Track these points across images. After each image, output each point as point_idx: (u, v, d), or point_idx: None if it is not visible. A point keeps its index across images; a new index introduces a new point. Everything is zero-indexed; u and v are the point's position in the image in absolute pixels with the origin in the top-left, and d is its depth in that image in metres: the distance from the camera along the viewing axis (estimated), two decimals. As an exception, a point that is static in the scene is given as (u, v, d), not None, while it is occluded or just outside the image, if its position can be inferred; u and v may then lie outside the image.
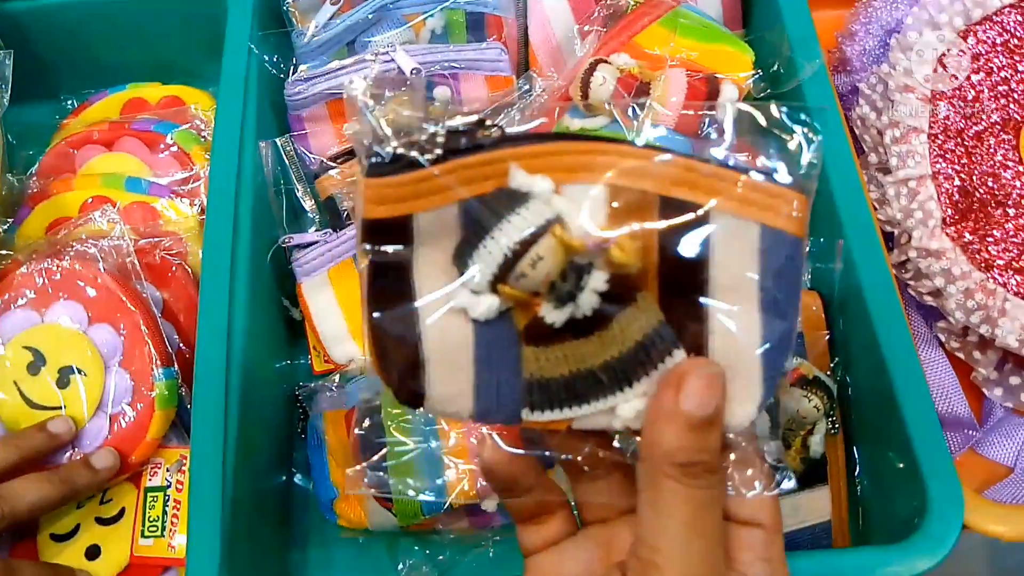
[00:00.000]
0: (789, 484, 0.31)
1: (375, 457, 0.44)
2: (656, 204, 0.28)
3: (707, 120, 0.57)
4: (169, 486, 0.51)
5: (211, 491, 0.45)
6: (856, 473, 0.51)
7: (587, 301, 0.28)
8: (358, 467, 0.42)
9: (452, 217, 0.28)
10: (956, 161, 0.52)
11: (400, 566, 0.53)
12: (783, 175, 0.29)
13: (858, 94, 0.57)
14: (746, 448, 0.30)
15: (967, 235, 0.50)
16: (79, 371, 0.50)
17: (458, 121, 0.28)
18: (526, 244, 0.27)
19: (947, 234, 0.50)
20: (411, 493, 0.48)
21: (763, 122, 0.29)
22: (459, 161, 0.28)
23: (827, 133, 0.54)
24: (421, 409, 0.30)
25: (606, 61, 0.57)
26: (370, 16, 0.59)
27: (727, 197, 0.28)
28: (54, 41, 0.70)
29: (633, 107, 0.56)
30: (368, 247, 0.28)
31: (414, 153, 0.28)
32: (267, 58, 0.60)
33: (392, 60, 0.58)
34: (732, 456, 0.30)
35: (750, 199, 0.28)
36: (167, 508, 0.50)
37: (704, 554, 0.28)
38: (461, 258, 0.29)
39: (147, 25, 0.69)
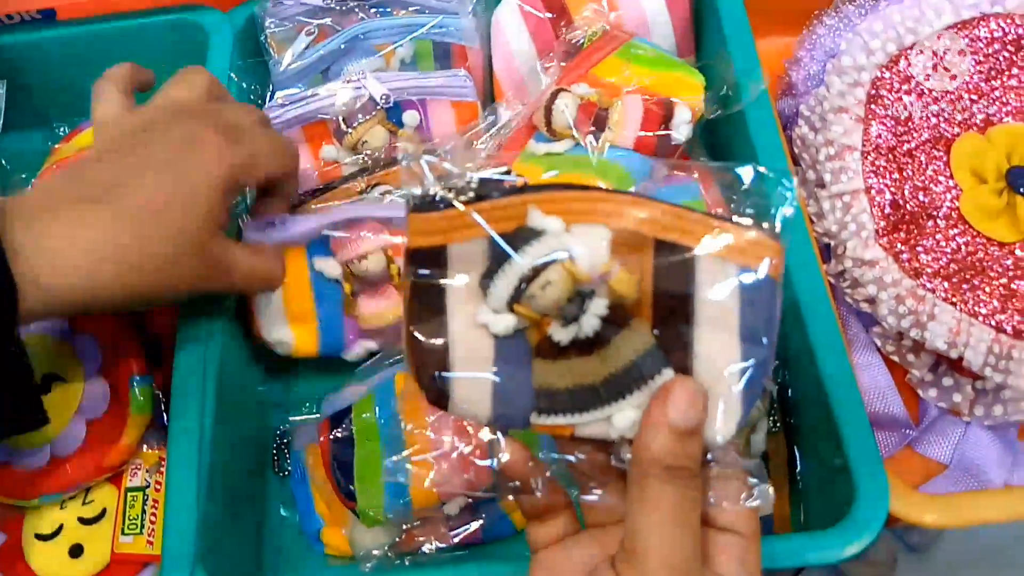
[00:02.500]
0: (767, 498, 0.35)
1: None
2: (651, 245, 0.33)
3: (662, 141, 0.61)
4: (148, 486, 0.53)
5: (187, 489, 0.48)
6: (798, 470, 0.53)
7: (589, 323, 0.33)
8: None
9: (480, 248, 0.34)
10: (888, 176, 0.55)
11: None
12: (761, 226, 0.33)
13: (798, 115, 0.60)
14: (727, 463, 0.35)
15: (899, 245, 0.54)
16: (60, 378, 0.52)
17: (488, 172, 0.34)
18: (537, 270, 0.32)
19: (880, 244, 0.54)
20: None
21: (746, 182, 0.34)
22: (487, 203, 0.33)
23: (767, 156, 0.58)
24: (446, 410, 0.35)
25: (567, 90, 0.60)
26: (343, 46, 0.63)
27: (712, 242, 0.33)
28: (46, 72, 0.73)
29: (594, 133, 0.60)
30: (412, 271, 0.34)
31: (451, 196, 0.34)
32: (246, 85, 0.64)
33: (363, 87, 0.61)
34: (714, 469, 0.35)
35: (732, 245, 0.33)
36: (146, 507, 0.53)
37: (682, 544, 0.32)
38: (486, 283, 0.34)
39: (135, 55, 0.71)
